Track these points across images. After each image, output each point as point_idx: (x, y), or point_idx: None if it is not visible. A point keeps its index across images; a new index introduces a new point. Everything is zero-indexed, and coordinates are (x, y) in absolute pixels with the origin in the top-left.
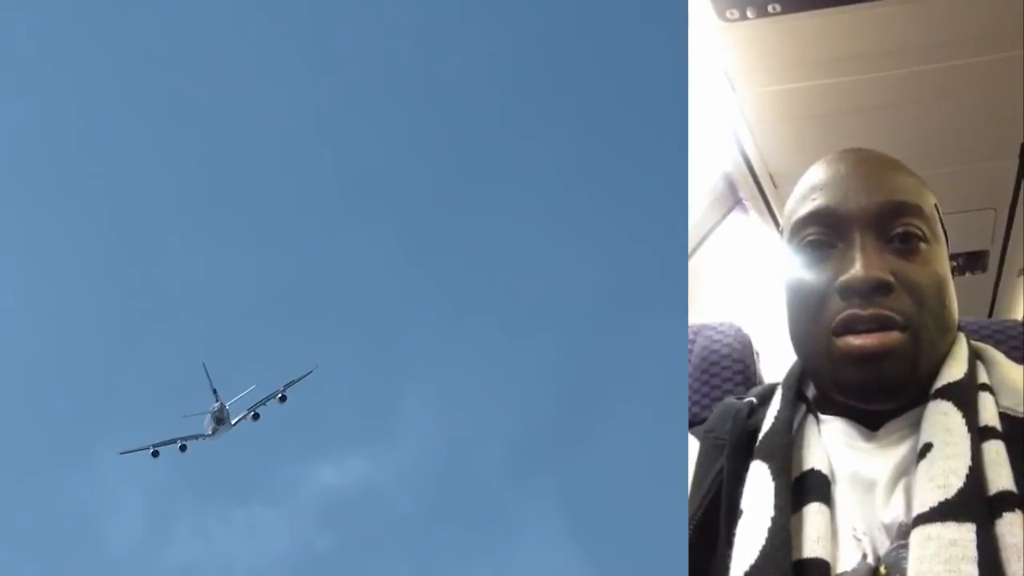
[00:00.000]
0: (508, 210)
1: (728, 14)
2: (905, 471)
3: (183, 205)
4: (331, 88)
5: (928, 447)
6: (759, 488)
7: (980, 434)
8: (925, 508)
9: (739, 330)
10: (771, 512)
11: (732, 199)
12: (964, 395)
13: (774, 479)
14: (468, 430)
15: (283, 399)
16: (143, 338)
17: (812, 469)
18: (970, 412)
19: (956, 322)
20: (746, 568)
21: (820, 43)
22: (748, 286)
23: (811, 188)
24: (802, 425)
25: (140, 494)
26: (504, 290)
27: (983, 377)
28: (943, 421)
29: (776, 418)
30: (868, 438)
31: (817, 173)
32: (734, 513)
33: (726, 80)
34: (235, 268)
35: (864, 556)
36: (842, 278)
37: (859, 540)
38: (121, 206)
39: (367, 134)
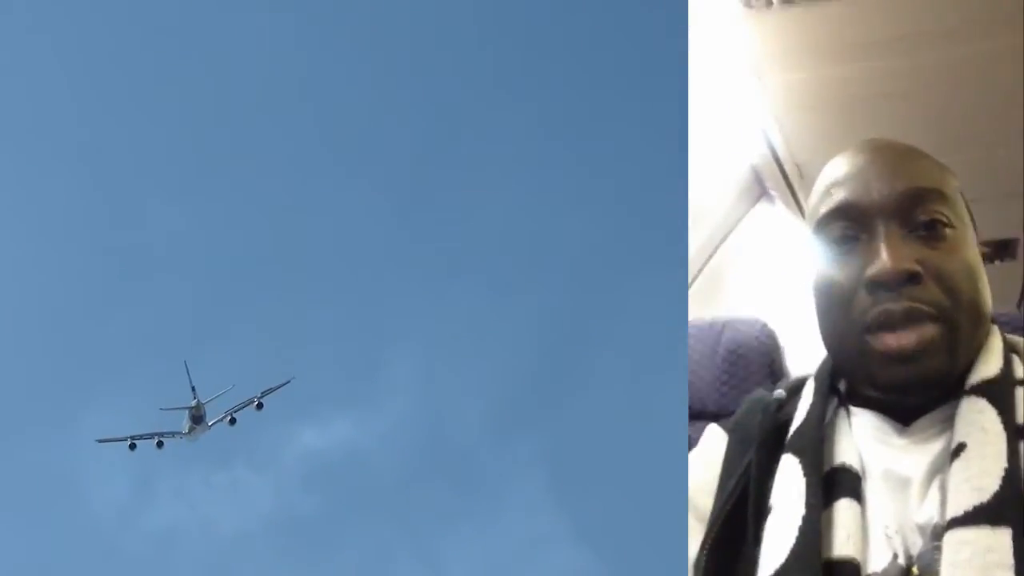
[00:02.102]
0: (495, 167)
1: (752, 1)
2: (939, 469)
3: (165, 163)
4: (316, 46)
5: (962, 447)
6: (790, 484)
7: (1018, 433)
8: (959, 511)
9: (765, 325)
10: (802, 510)
11: (758, 190)
12: (1000, 392)
13: (805, 475)
14: (453, 392)
15: (260, 407)
16: (126, 297)
17: (843, 464)
18: (1007, 410)
19: (990, 311)
20: (776, 567)
21: (844, 30)
22: (775, 279)
23: (831, 183)
24: (833, 419)
25: (122, 456)
26: (490, 250)
27: (1019, 372)
28: (978, 420)
29: (808, 412)
30: (901, 433)
31: (836, 167)
32: (762, 509)
33: (750, 69)
34: (218, 226)
35: (895, 556)
36: (869, 272)
37: (890, 539)
38: (102, 164)
39: (352, 90)
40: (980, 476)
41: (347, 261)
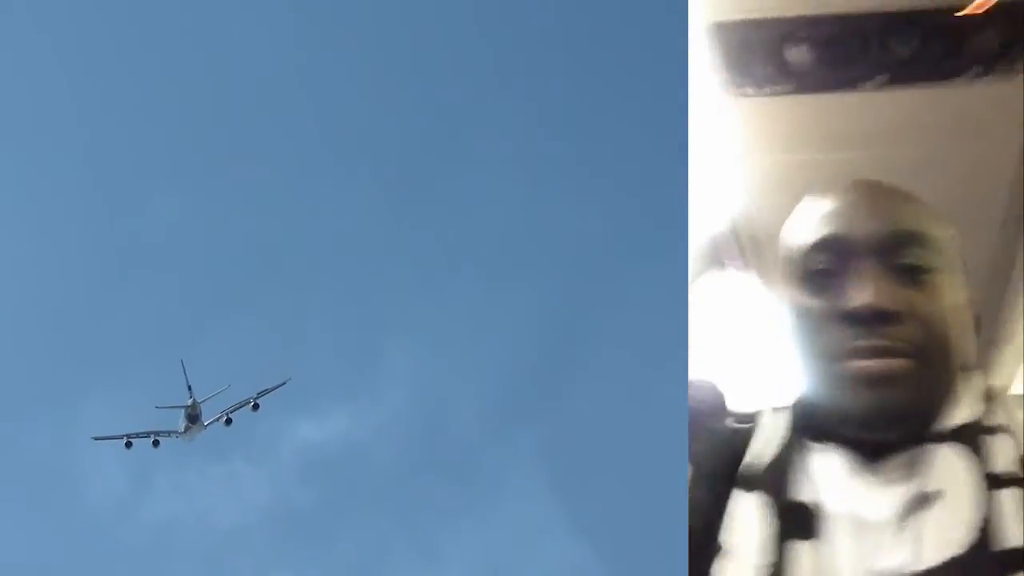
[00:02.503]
0: (493, 161)
1: (739, 90)
2: (909, 514)
3: (165, 157)
4: (315, 42)
5: (937, 494)
6: (743, 526)
7: (993, 482)
8: (935, 562)
9: (714, 386)
10: (760, 556)
11: (715, 258)
12: (975, 438)
13: (762, 514)
14: (451, 385)
15: (256, 407)
16: (124, 291)
17: (801, 502)
18: (984, 458)
19: (971, 357)
20: None
21: (824, 120)
22: (726, 339)
23: (818, 216)
24: (792, 453)
25: (120, 450)
26: (489, 243)
27: (1000, 417)
28: (954, 467)
29: (765, 444)
30: (866, 471)
31: (825, 201)
32: (708, 545)
33: (734, 150)
34: (217, 220)
35: None
36: (848, 306)
37: None
38: (101, 160)
39: (350, 86)
40: (956, 527)
41: (345, 255)
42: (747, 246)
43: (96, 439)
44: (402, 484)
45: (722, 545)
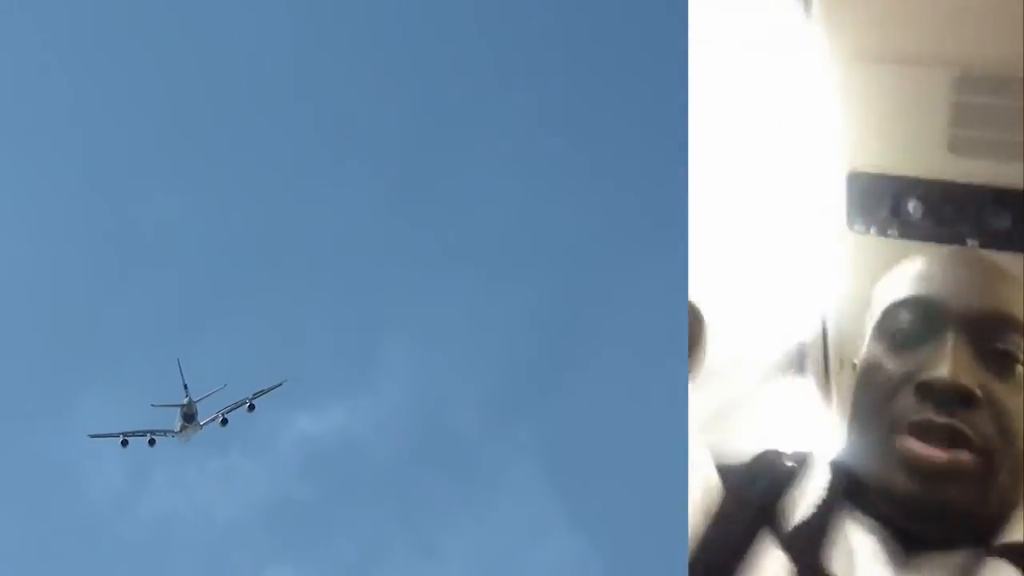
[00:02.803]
0: (491, 157)
1: (855, 227)
2: None
3: (164, 155)
4: (313, 38)
5: None
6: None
7: None
8: None
9: None
10: None
11: (797, 365)
12: None
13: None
14: (449, 380)
15: (251, 408)
16: (123, 284)
17: (826, 572)
18: None
19: None
20: None
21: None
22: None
23: (916, 274)
24: (830, 515)
25: (118, 444)
26: (487, 238)
27: None
28: None
29: (814, 508)
30: (903, 563)
31: (924, 262)
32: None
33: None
34: (215, 216)
35: None
36: (925, 375)
37: None
38: (101, 155)
39: (348, 82)
40: None
41: (344, 251)
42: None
43: (92, 437)
44: (400, 479)
45: None
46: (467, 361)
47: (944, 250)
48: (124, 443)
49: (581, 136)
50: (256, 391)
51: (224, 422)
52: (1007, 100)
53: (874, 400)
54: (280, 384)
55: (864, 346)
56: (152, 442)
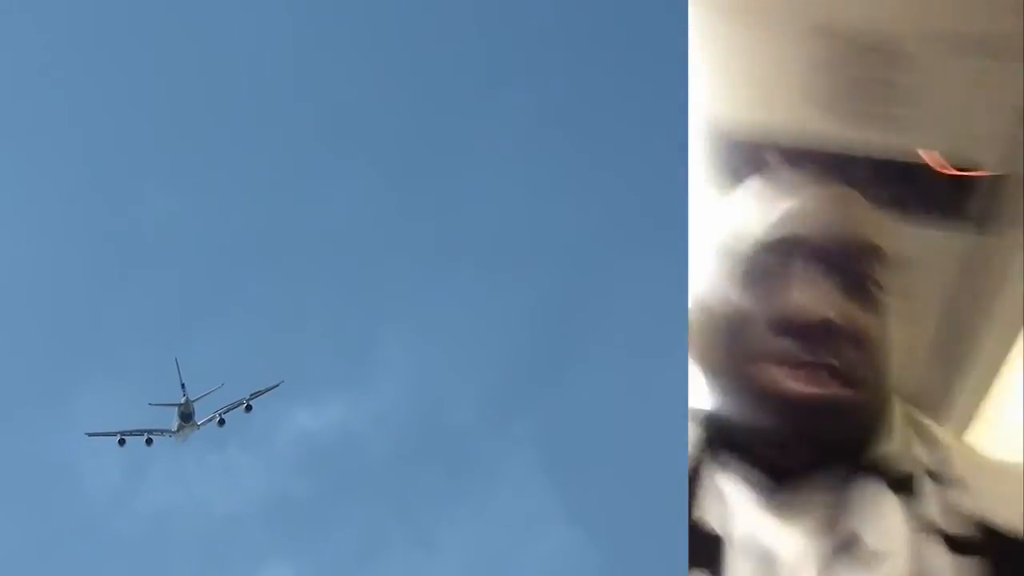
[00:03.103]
0: (490, 152)
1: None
2: (815, 552)
3: (161, 147)
4: (310, 33)
5: (855, 539)
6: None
7: (923, 526)
8: None
9: None
10: None
11: None
12: (903, 477)
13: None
14: (446, 375)
15: (248, 408)
16: (121, 278)
17: (704, 527)
18: (911, 499)
19: (918, 395)
20: None
21: None
22: None
23: (775, 211)
24: (701, 466)
25: (120, 428)
26: (485, 233)
27: (925, 459)
28: (877, 509)
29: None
30: (771, 493)
31: (781, 198)
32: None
33: None
34: (213, 211)
35: None
36: (784, 309)
37: None
38: (100, 149)
39: (347, 77)
40: (878, 567)
41: (342, 247)
42: None
43: (90, 435)
44: (398, 473)
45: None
46: (465, 357)
47: (799, 181)
48: (121, 442)
49: (580, 133)
50: (253, 392)
51: (221, 422)
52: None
53: (736, 338)
54: (277, 385)
55: (718, 288)
56: (149, 441)
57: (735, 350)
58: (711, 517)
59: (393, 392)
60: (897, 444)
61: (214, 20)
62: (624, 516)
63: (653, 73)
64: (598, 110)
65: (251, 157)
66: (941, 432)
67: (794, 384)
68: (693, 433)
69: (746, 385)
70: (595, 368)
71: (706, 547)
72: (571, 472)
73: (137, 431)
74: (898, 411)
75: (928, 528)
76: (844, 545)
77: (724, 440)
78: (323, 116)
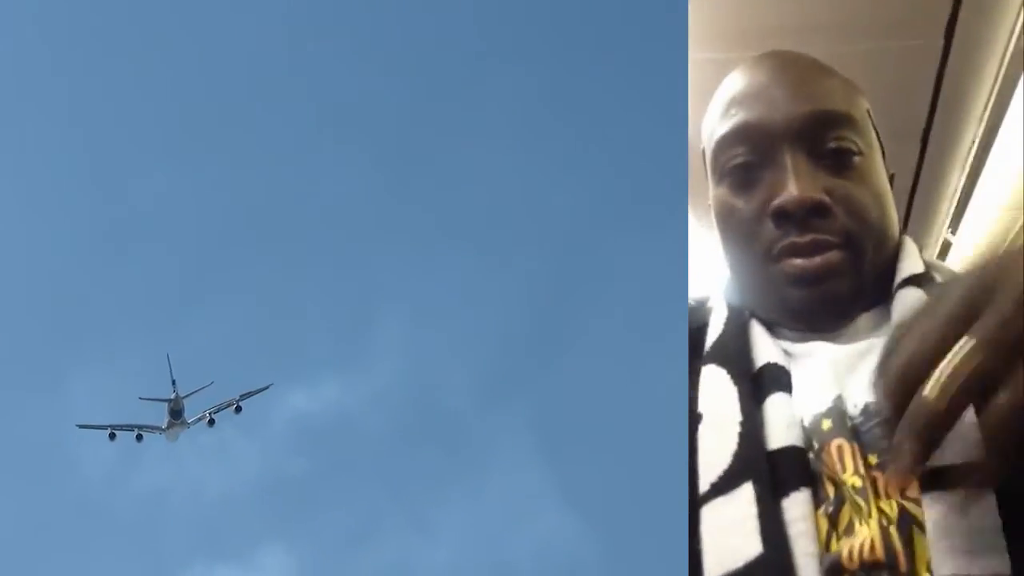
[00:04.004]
0: (485, 129)
1: None
2: (870, 354)
3: (155, 129)
4: (302, 11)
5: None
6: (719, 394)
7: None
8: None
9: None
10: (739, 417)
11: None
12: (930, 283)
13: (735, 383)
14: (442, 355)
15: (238, 409)
16: (115, 260)
17: (768, 363)
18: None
19: (896, 231)
20: (719, 472)
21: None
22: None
23: (730, 101)
24: (747, 329)
25: (110, 418)
26: (481, 212)
27: (939, 278)
28: (914, 303)
29: (726, 321)
30: (825, 339)
31: (736, 82)
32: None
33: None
34: (207, 191)
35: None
36: (775, 203)
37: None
38: (93, 130)
39: (339, 55)
40: None
41: (335, 224)
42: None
43: (80, 427)
44: (393, 454)
45: (701, 413)
46: (462, 337)
47: (750, 60)
48: (112, 436)
49: (578, 113)
50: (243, 393)
51: (211, 422)
52: None
53: (740, 240)
54: (267, 387)
55: (710, 188)
56: (139, 437)
57: (745, 246)
58: (774, 357)
59: (389, 373)
60: (916, 263)
61: (209, 2)
62: (621, 498)
63: (651, 50)
64: (594, 88)
65: (245, 137)
66: (936, 262)
67: (804, 266)
68: (732, 304)
69: (765, 277)
70: (592, 349)
71: (778, 376)
72: (568, 455)
73: (128, 426)
74: (899, 247)
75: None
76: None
77: (757, 317)
78: (317, 98)
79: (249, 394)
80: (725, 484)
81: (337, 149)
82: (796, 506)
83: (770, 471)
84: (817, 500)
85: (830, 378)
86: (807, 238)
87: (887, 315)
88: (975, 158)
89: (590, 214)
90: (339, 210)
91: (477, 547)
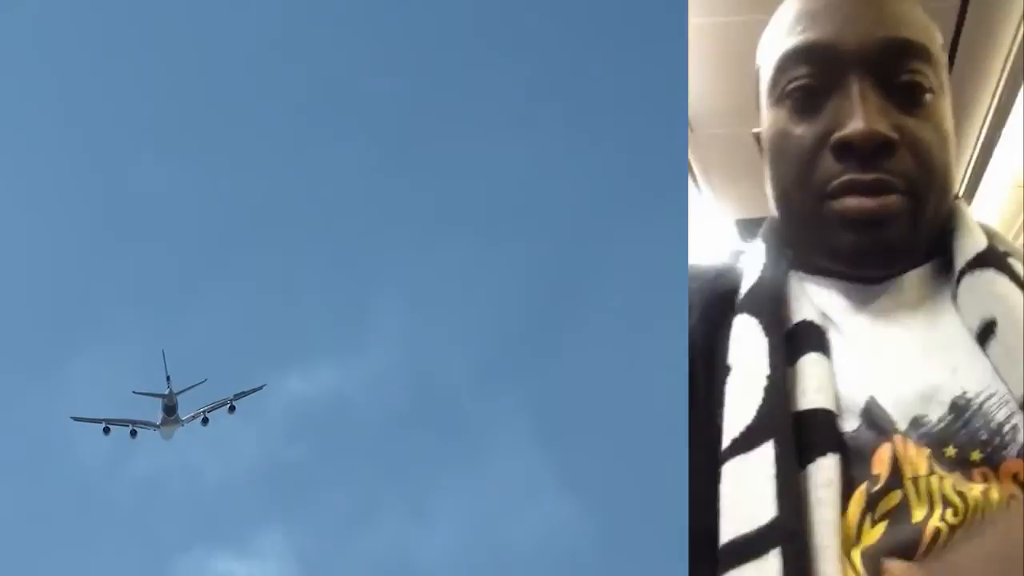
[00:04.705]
0: (484, 114)
1: None
2: (927, 341)
3: (154, 119)
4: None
5: (991, 323)
6: (750, 343)
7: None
8: (1011, 381)
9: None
10: (766, 370)
11: None
12: (999, 260)
13: (767, 334)
14: (439, 340)
15: (232, 409)
16: (114, 248)
17: (804, 320)
18: (1014, 276)
19: (956, 185)
20: (741, 428)
21: None
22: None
23: (798, 15)
24: (785, 281)
25: (108, 404)
26: (479, 198)
27: (999, 246)
28: (993, 290)
29: (762, 271)
30: (867, 294)
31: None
32: (714, 371)
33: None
34: (204, 177)
35: (868, 412)
36: (838, 134)
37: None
38: (93, 120)
39: (337, 39)
40: (1019, 345)
41: (334, 209)
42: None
43: (75, 419)
44: (390, 440)
45: (731, 366)
46: (459, 324)
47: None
48: (106, 430)
49: (578, 97)
50: (236, 392)
51: (205, 421)
52: None
53: (795, 171)
54: (261, 387)
55: (763, 112)
56: (134, 433)
57: (800, 179)
58: (811, 315)
59: (386, 359)
60: (978, 239)
61: None
62: (620, 485)
63: (651, 34)
64: (594, 74)
65: (244, 129)
66: (987, 224)
67: (863, 202)
68: (771, 252)
69: (819, 213)
70: (589, 336)
71: (814, 336)
72: (565, 439)
73: (122, 421)
74: (955, 210)
75: None
76: (983, 331)
77: (801, 263)
78: (315, 88)
79: (243, 394)
80: (746, 442)
81: (335, 137)
82: (821, 471)
83: (797, 432)
84: (850, 473)
85: (896, 363)
86: (870, 176)
87: (936, 274)
88: (987, 133)
89: (588, 202)
90: (337, 198)
91: (474, 531)
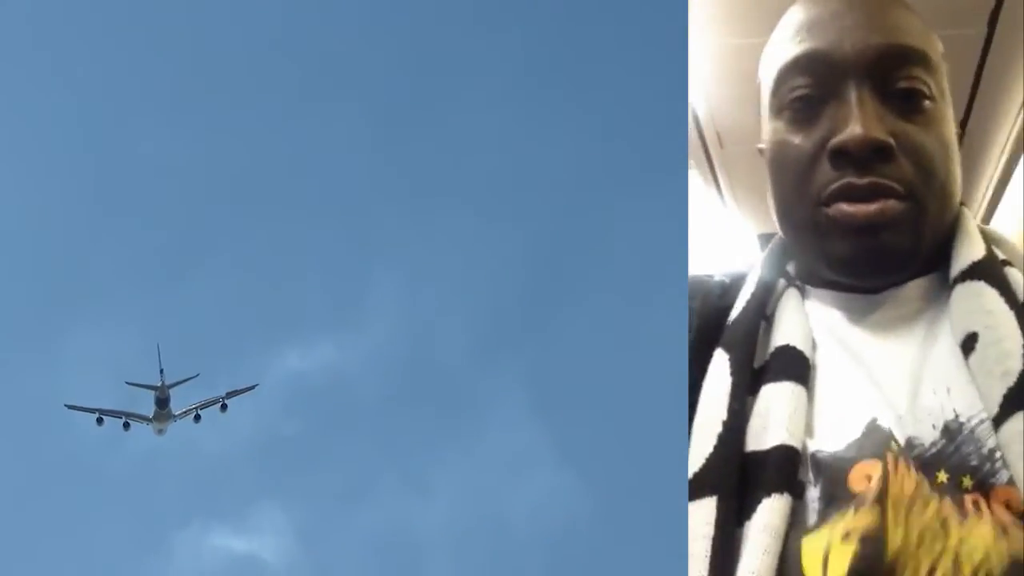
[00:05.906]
0: (483, 91)
1: None
2: (926, 357)
3: (152, 93)
4: None
5: (973, 337)
6: (716, 382)
7: (1022, 310)
8: (995, 406)
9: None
10: (723, 415)
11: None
12: (993, 272)
13: (732, 374)
14: (437, 314)
15: (224, 408)
16: (113, 222)
17: (786, 346)
18: (1006, 289)
19: (959, 194)
20: (695, 470)
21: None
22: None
23: (798, 27)
24: (780, 301)
25: (105, 380)
26: (477, 173)
27: (1000, 254)
28: (981, 303)
29: (748, 302)
30: (868, 305)
31: (805, 8)
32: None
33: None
34: (202, 151)
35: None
36: (835, 140)
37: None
38: (92, 94)
39: (338, 16)
40: (1002, 361)
41: (333, 185)
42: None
43: (69, 407)
44: (388, 413)
45: (700, 398)
46: (457, 296)
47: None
48: (99, 421)
49: (576, 70)
50: (229, 391)
51: (197, 418)
52: None
53: (793, 180)
54: (253, 387)
55: (764, 125)
56: (127, 425)
57: (798, 188)
58: (795, 339)
59: (384, 333)
60: (975, 247)
61: None
62: (616, 456)
63: (652, 4)
64: (594, 44)
65: (240, 97)
66: (991, 230)
67: (859, 207)
68: (763, 277)
69: (816, 220)
70: (587, 309)
71: (790, 365)
72: (563, 412)
73: (116, 412)
74: (958, 217)
75: (1020, 305)
76: (965, 346)
77: (799, 273)
78: (310, 60)
79: (235, 392)
80: (694, 490)
81: (334, 110)
82: (765, 513)
83: (753, 470)
84: (802, 502)
85: (894, 380)
86: (866, 180)
87: (939, 285)
88: (1011, 151)
89: (587, 176)
90: (334, 171)
91: (473, 504)
